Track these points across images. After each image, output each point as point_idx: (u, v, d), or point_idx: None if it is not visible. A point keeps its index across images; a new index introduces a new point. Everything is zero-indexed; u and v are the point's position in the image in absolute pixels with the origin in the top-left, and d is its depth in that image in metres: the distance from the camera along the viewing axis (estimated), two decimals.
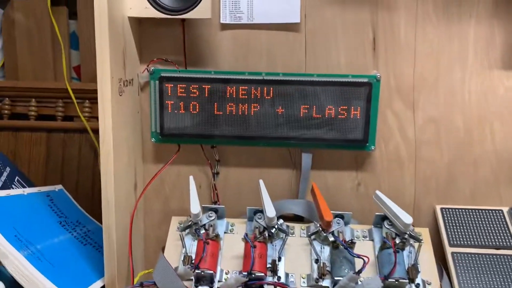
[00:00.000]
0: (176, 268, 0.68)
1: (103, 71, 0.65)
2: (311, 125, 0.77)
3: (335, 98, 0.75)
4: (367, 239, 0.76)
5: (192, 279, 0.70)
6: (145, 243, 0.85)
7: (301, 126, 0.77)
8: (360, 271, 0.64)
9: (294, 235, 0.77)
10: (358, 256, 0.66)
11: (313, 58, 0.78)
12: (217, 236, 0.74)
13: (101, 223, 0.69)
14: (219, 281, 0.71)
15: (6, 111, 0.98)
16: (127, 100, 0.73)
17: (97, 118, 0.95)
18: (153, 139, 0.80)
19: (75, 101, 0.94)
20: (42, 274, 0.63)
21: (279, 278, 0.70)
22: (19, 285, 0.62)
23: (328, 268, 0.70)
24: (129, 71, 0.74)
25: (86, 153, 1.00)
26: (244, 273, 0.68)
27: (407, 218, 0.69)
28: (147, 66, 0.78)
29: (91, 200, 0.97)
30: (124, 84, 0.71)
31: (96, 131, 0.91)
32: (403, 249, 0.71)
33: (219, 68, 0.79)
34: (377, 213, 0.75)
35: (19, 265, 0.62)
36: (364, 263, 0.64)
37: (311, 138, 0.77)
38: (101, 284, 0.70)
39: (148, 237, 0.85)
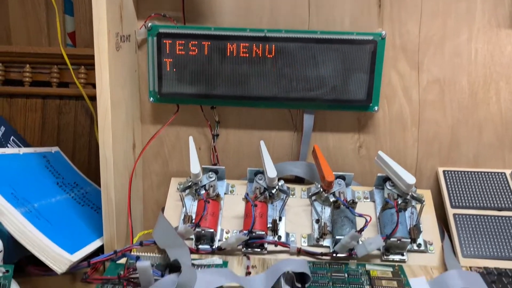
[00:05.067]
0: (176, 228, 0.67)
1: (100, 24, 0.63)
2: (314, 85, 0.75)
3: (338, 56, 0.73)
4: (368, 200, 0.75)
5: (192, 238, 0.70)
6: (144, 205, 0.84)
7: (303, 86, 0.75)
8: (362, 230, 0.63)
9: (294, 196, 0.76)
10: (360, 215, 0.65)
11: (317, 15, 0.75)
12: (217, 195, 0.73)
13: (99, 186, 0.68)
14: (219, 240, 0.70)
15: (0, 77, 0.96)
16: (124, 56, 0.71)
17: (92, 84, 0.94)
18: (151, 99, 0.78)
19: (70, 66, 0.92)
20: (40, 231, 0.62)
21: (279, 237, 0.70)
22: (17, 242, 0.61)
23: (329, 228, 0.70)
24: (126, 26, 0.71)
25: (82, 120, 0.98)
26: (244, 231, 0.67)
27: (410, 179, 0.68)
28: (145, 22, 0.75)
29: (88, 167, 0.95)
30: (121, 39, 0.69)
31: (92, 98, 0.89)
32: (405, 210, 0.71)
33: (219, 25, 0.76)
34: (379, 174, 0.74)
35: (16, 222, 0.61)
36: (366, 222, 0.64)
37: (313, 99, 0.75)
38: (100, 244, 0.70)
39: (147, 198, 0.84)
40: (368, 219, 0.64)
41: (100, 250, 0.69)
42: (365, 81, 0.74)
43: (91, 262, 0.64)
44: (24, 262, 0.65)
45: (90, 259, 0.64)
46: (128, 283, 0.58)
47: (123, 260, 0.65)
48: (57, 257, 0.61)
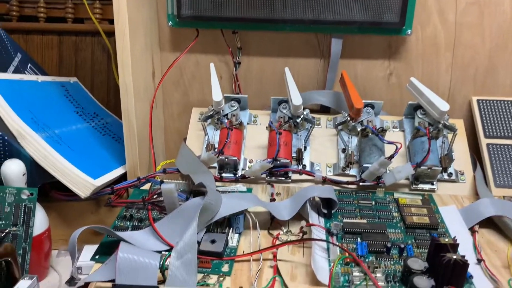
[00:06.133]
0: (199, 156, 0.66)
1: None
2: (343, 6, 0.70)
3: None
4: (397, 130, 0.72)
5: (215, 167, 0.69)
6: (165, 135, 0.83)
7: (332, 8, 0.70)
8: (392, 156, 0.61)
9: (320, 126, 0.74)
10: (390, 142, 0.63)
11: None
12: (240, 124, 0.71)
13: (120, 119, 0.66)
14: (242, 169, 0.69)
15: (14, 13, 0.93)
16: None
17: (108, 20, 0.90)
18: (170, 23, 0.74)
19: (85, 0, 0.88)
20: (62, 156, 0.61)
21: (304, 166, 0.68)
22: (40, 167, 0.61)
23: (355, 158, 0.68)
24: None
25: (100, 56, 0.95)
26: (269, 159, 0.66)
27: (444, 105, 0.64)
28: None
29: (107, 105, 0.94)
30: None
31: (108, 34, 0.86)
32: (436, 139, 0.68)
33: None
34: (410, 102, 0.70)
35: (38, 146, 0.60)
36: (397, 149, 0.61)
37: (342, 21, 0.71)
38: (123, 171, 0.69)
39: (168, 128, 0.82)
40: (399, 145, 0.61)
41: (122, 179, 0.69)
42: (398, 2, 0.69)
43: (115, 188, 0.64)
44: (47, 187, 0.65)
45: (113, 185, 0.64)
46: (152, 207, 0.58)
47: (146, 187, 0.65)
48: (81, 182, 0.61)
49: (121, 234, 0.51)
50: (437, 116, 0.65)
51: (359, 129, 0.68)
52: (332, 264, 0.51)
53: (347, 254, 0.49)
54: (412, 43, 0.74)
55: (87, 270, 0.53)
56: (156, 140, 0.77)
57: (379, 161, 0.61)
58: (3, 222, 0.55)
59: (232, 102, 0.73)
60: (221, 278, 0.50)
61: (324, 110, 0.77)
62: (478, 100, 0.74)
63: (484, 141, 0.70)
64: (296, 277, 0.50)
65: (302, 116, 0.70)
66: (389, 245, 0.53)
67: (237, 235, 0.56)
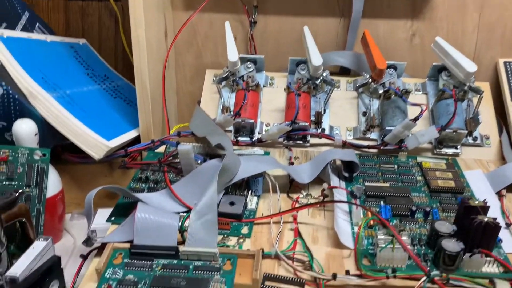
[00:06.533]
0: (214, 119, 0.64)
1: None
2: None
3: None
4: (420, 92, 0.69)
5: (231, 130, 0.66)
6: (178, 98, 0.80)
7: None
8: (417, 118, 0.58)
9: (339, 89, 0.71)
10: (415, 104, 0.60)
11: None
12: (257, 85, 0.68)
13: (130, 82, 0.63)
14: (258, 133, 0.67)
15: None
16: None
17: None
18: None
19: None
20: (74, 117, 0.59)
21: (323, 130, 0.66)
22: (52, 127, 0.59)
23: (377, 121, 0.65)
24: None
25: (107, 22, 0.92)
26: (287, 122, 0.63)
27: (471, 66, 0.61)
28: None
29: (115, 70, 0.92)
30: None
31: None
32: (462, 101, 0.65)
33: None
34: (434, 63, 0.67)
35: (49, 106, 0.58)
36: (422, 111, 0.58)
37: None
38: (136, 134, 0.67)
39: (181, 91, 0.80)
40: (424, 107, 0.59)
41: (135, 142, 0.67)
42: None
43: (128, 151, 0.62)
44: (60, 150, 0.64)
45: (126, 148, 0.62)
46: (168, 168, 0.56)
47: (160, 150, 0.63)
48: (94, 143, 0.59)
49: (137, 195, 0.50)
50: (463, 77, 0.63)
51: (381, 91, 0.66)
52: (355, 227, 0.49)
53: (371, 216, 0.47)
54: (437, 2, 0.70)
55: (101, 233, 0.52)
56: (169, 103, 0.75)
57: (404, 123, 0.58)
58: (16, 182, 0.54)
59: (248, 63, 0.70)
60: (241, 240, 0.49)
61: (343, 72, 0.74)
62: (505, 62, 0.71)
63: (510, 105, 0.67)
64: (317, 240, 0.49)
65: (321, 78, 0.67)
66: (414, 208, 0.51)
67: (256, 197, 0.54)
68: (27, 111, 0.57)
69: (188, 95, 0.80)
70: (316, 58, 0.65)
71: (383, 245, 0.44)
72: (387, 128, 0.62)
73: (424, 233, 0.49)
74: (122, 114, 0.70)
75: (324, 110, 0.67)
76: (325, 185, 0.52)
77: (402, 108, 0.63)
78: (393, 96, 0.64)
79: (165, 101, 0.69)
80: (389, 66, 0.68)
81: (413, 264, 0.45)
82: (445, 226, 0.46)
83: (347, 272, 0.43)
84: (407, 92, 0.63)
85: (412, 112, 0.61)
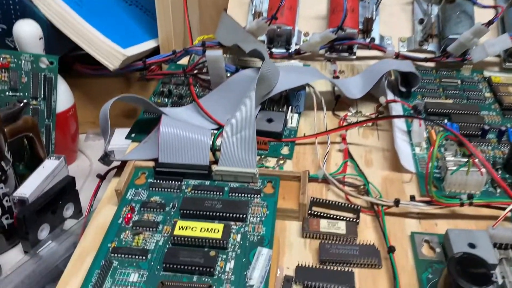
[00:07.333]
0: (245, 27, 0.54)
1: None
2: None
3: None
4: None
5: (263, 40, 0.57)
6: (200, 10, 0.70)
7: None
8: (491, 22, 0.49)
9: None
10: (487, 6, 0.50)
11: None
12: None
13: None
14: (296, 44, 0.58)
15: None
16: None
17: None
18: None
19: None
20: (84, 19, 0.50)
21: (372, 39, 0.56)
22: (60, 32, 0.50)
23: (436, 30, 0.56)
24: None
25: None
26: (331, 29, 0.54)
27: None
28: None
29: None
30: None
31: None
32: None
33: None
34: None
35: (55, 6, 0.49)
36: (497, 13, 0.48)
37: None
38: (154, 45, 0.58)
39: (203, 2, 0.70)
40: (500, 9, 0.49)
41: (154, 54, 0.58)
42: None
43: (147, 63, 0.54)
44: (70, 60, 0.56)
45: (145, 59, 0.54)
46: (195, 80, 0.48)
47: (184, 61, 0.55)
48: (109, 51, 0.51)
49: (161, 109, 0.43)
50: None
51: None
52: (416, 148, 0.42)
53: (442, 134, 0.39)
54: None
55: (120, 155, 0.45)
56: (191, 14, 0.65)
57: (474, 29, 0.49)
58: (21, 94, 0.47)
59: None
60: (281, 161, 0.42)
61: None
62: None
63: None
64: (371, 162, 0.42)
65: None
66: (486, 127, 0.43)
67: (296, 115, 0.47)
68: (30, 11, 0.49)
69: (212, 4, 0.70)
70: None
71: (454, 168, 0.37)
72: (450, 36, 0.52)
73: (499, 156, 0.41)
74: (138, 22, 0.61)
75: (375, 17, 0.57)
76: (381, 99, 0.44)
77: (469, 12, 0.53)
78: None
79: (187, 9, 0.59)
80: None
81: (488, 190, 0.38)
82: None
83: (412, 198, 0.36)
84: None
85: (478, 19, 0.51)
